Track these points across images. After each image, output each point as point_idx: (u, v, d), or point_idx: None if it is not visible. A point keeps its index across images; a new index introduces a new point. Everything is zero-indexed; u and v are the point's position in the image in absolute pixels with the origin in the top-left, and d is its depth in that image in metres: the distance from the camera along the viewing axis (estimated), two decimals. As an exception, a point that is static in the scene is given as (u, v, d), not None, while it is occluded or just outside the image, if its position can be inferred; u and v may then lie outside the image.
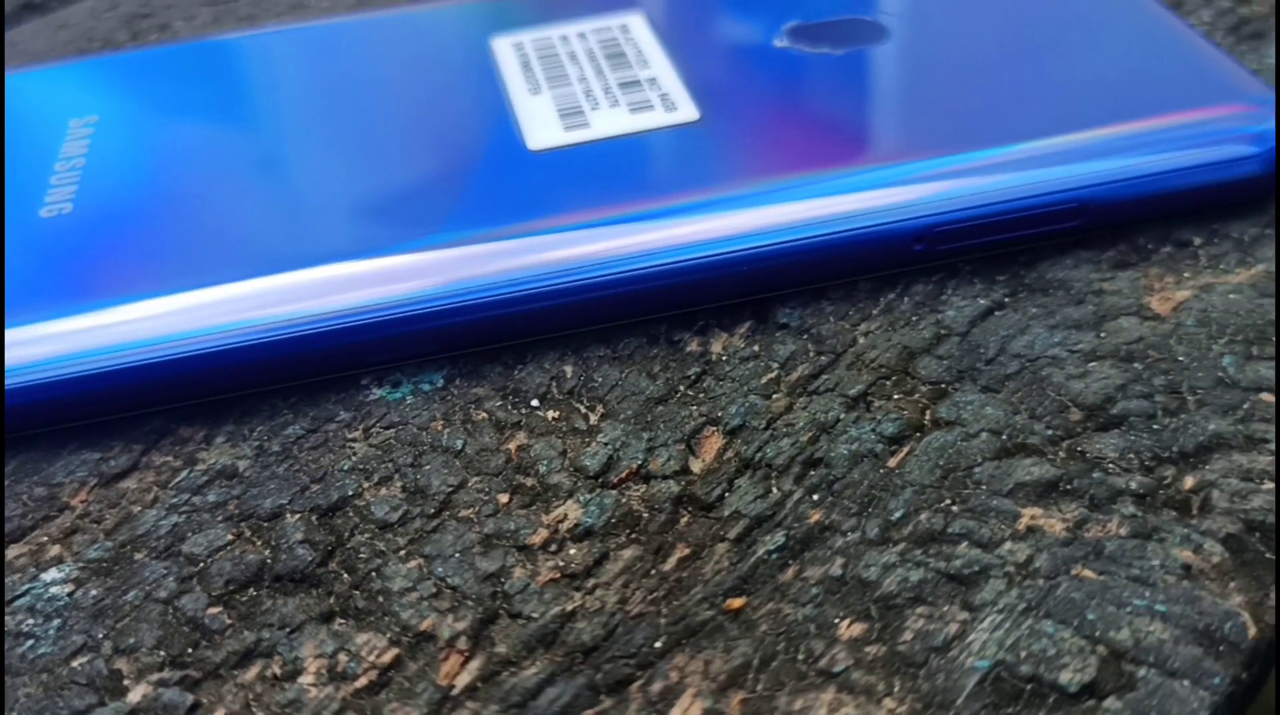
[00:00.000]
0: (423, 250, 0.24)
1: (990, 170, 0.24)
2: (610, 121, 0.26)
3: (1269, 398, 0.22)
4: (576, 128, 0.26)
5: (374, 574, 0.20)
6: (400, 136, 0.27)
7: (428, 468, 0.22)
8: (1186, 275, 0.24)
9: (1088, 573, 0.19)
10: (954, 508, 0.20)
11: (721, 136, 0.25)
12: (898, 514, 0.20)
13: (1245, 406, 0.22)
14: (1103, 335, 0.23)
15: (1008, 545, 0.20)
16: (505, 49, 0.29)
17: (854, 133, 0.26)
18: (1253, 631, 0.18)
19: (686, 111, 0.26)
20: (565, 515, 0.21)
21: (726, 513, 0.21)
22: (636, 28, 0.29)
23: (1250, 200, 0.26)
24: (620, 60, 0.28)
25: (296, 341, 0.23)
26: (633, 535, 0.20)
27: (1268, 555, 0.19)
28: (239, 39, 0.31)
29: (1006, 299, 0.24)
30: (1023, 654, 0.18)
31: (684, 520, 0.21)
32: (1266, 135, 0.25)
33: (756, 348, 0.24)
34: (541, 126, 0.26)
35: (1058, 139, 0.25)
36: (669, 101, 0.26)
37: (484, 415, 0.23)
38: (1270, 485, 0.20)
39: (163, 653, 0.19)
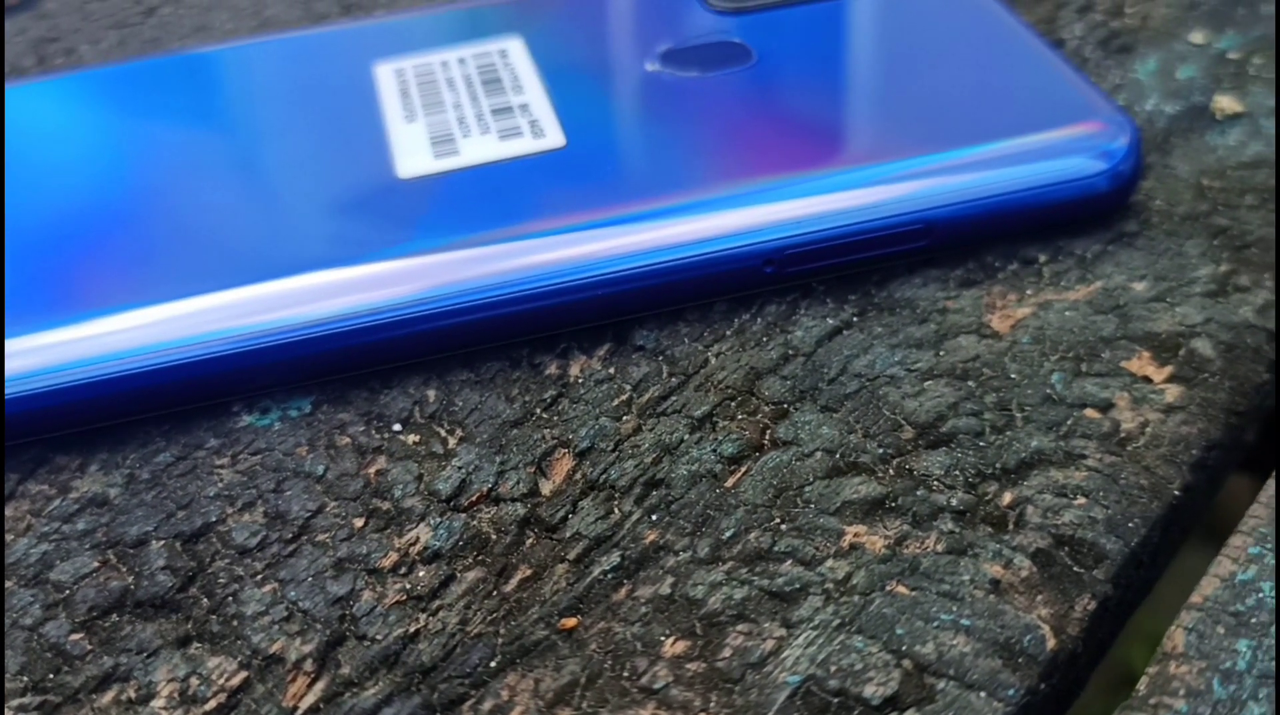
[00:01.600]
0: (290, 278, 0.24)
1: (836, 192, 0.25)
2: (479, 149, 0.27)
3: (1092, 414, 0.23)
4: (446, 155, 0.27)
5: (230, 599, 0.21)
6: (277, 165, 0.27)
7: (289, 493, 0.23)
8: (1029, 292, 0.25)
9: (902, 589, 0.20)
10: (782, 526, 0.21)
11: (584, 163, 0.26)
12: (728, 533, 0.21)
13: (1068, 422, 0.23)
14: (941, 354, 0.24)
15: (829, 563, 0.21)
16: (387, 75, 0.30)
17: (708, 158, 0.26)
18: (1052, 644, 0.19)
19: (554, 138, 0.27)
20: (417, 538, 0.22)
21: (568, 534, 0.22)
22: (515, 52, 0.30)
23: (1096, 217, 0.27)
24: (495, 86, 0.29)
25: (163, 372, 0.23)
26: (479, 557, 0.21)
27: (1075, 569, 0.20)
28: (120, 68, 0.31)
29: (855, 318, 0.25)
30: (832, 669, 0.19)
31: (529, 542, 0.22)
32: (1112, 153, 0.26)
33: (612, 370, 0.25)
34: (412, 154, 0.27)
35: (905, 160, 0.26)
36: (538, 128, 0.27)
37: (347, 440, 0.24)
38: (1083, 500, 0.21)
39: (25, 679, 0.20)
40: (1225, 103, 0.30)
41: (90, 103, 0.30)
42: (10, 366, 0.23)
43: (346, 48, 0.31)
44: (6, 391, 0.23)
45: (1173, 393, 0.23)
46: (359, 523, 0.22)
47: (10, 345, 0.23)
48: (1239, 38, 0.33)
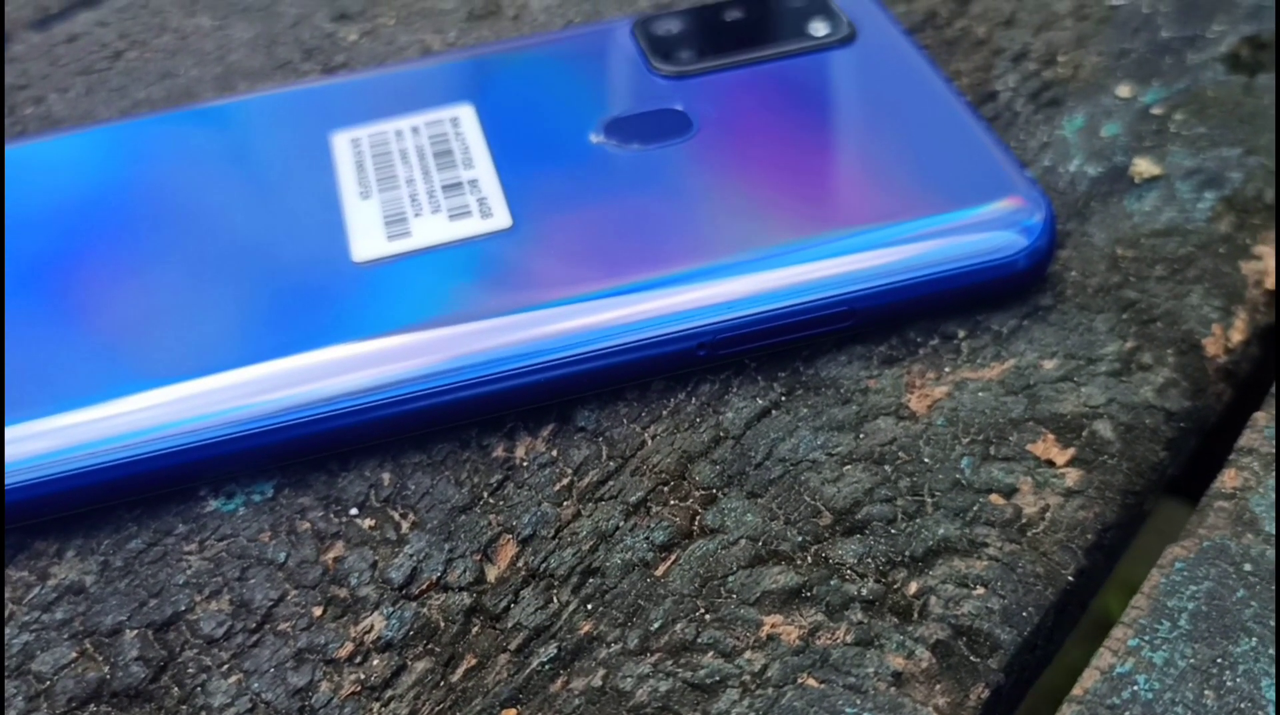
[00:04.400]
0: (252, 367, 0.26)
1: (761, 274, 0.27)
2: (430, 230, 0.28)
3: (997, 499, 0.25)
4: (399, 237, 0.28)
5: (199, 690, 0.23)
6: (237, 247, 0.29)
7: (252, 581, 0.25)
8: (946, 370, 0.27)
9: (812, 681, 0.22)
10: (706, 616, 0.23)
11: (527, 246, 0.28)
12: (657, 624, 0.23)
13: (974, 509, 0.25)
14: (861, 437, 0.26)
15: (748, 654, 0.23)
16: (344, 145, 0.31)
17: (641, 241, 0.28)
18: (946, 733, 0.21)
19: (500, 218, 0.29)
20: (371, 626, 0.24)
21: (510, 624, 0.24)
22: (466, 121, 0.32)
23: (1014, 292, 0.28)
24: (447, 159, 0.30)
25: (130, 465, 0.25)
26: (428, 645, 0.23)
27: (972, 659, 0.22)
28: (71, 138, 0.33)
29: (783, 398, 0.27)
30: (745, 761, 0.21)
31: (474, 630, 0.24)
32: (1029, 230, 0.28)
33: (555, 452, 0.26)
34: (367, 236, 0.28)
35: (828, 242, 0.27)
36: (485, 207, 0.29)
37: (307, 525, 0.25)
38: (982, 590, 0.23)
39: (11, 769, 0.22)
40: (1144, 165, 0.31)
41: (43, 178, 0.31)
42: None
43: (305, 112, 0.33)
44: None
45: (1073, 477, 0.25)
46: (318, 611, 0.24)
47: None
48: (1164, 90, 0.34)
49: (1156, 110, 0.33)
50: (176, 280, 0.28)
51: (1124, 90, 0.34)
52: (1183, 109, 0.33)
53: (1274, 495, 0.24)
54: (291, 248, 0.29)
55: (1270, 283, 0.29)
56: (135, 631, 0.24)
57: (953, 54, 0.36)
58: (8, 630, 0.24)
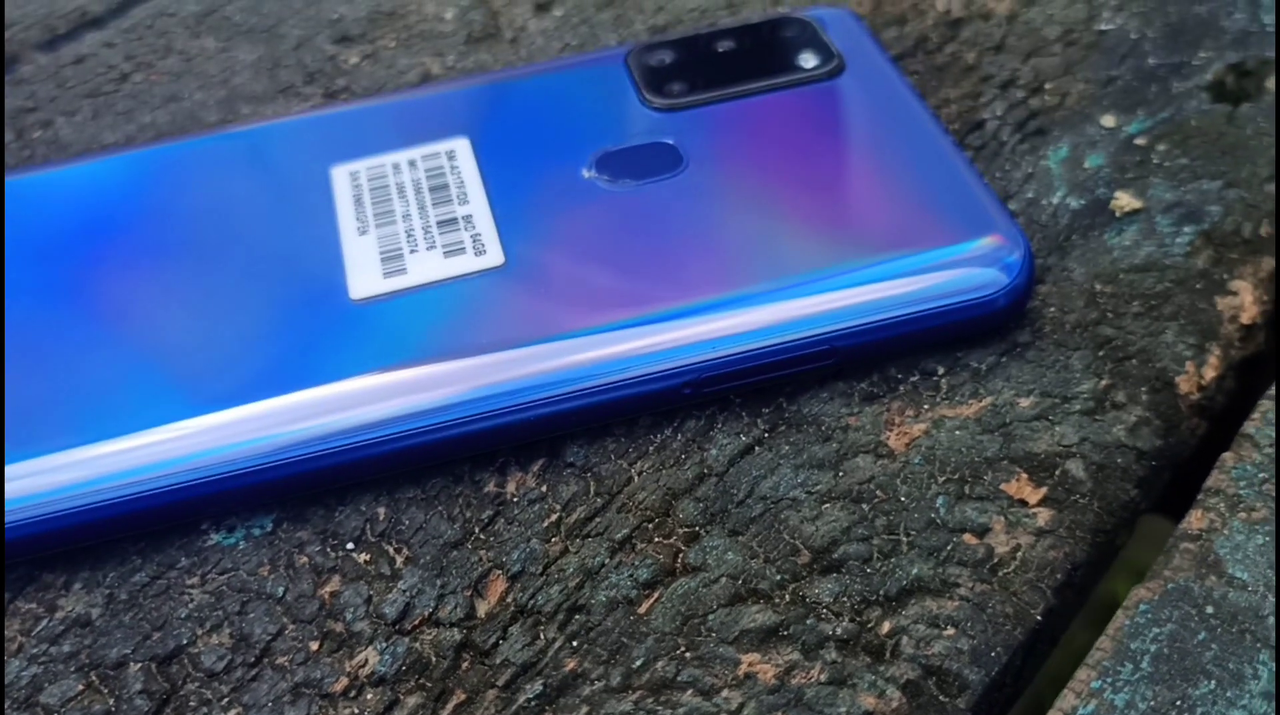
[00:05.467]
0: (250, 406, 0.27)
1: (745, 315, 0.28)
2: (425, 267, 0.29)
3: (970, 539, 0.26)
4: (395, 274, 0.29)
5: (200, 723, 0.24)
6: (238, 284, 0.30)
7: (252, 616, 0.26)
8: (925, 407, 0.28)
9: (786, 720, 0.23)
10: (687, 655, 0.24)
11: (518, 285, 0.29)
12: (639, 662, 0.24)
13: (947, 549, 0.25)
14: (840, 475, 0.27)
15: (725, 693, 0.24)
16: (343, 179, 0.32)
17: (629, 279, 0.29)
18: (913, 772, 0.22)
19: (493, 255, 0.29)
20: (365, 660, 0.25)
21: (499, 660, 0.25)
22: (462, 154, 0.32)
23: (994, 329, 0.29)
24: (443, 194, 0.31)
25: (132, 502, 0.26)
26: (420, 680, 0.24)
27: (941, 698, 0.23)
28: (73, 170, 0.33)
29: (766, 435, 0.28)
30: (720, 799, 0.22)
31: (464, 666, 0.25)
32: (1010, 267, 0.29)
33: (544, 488, 0.27)
34: (364, 273, 0.29)
35: (811, 282, 0.28)
36: (479, 243, 0.30)
37: (305, 560, 0.26)
38: (952, 630, 0.24)
39: (21, 800, 0.23)
40: (1125, 199, 0.32)
41: (43, 212, 0.32)
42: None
43: (306, 144, 0.33)
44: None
45: (1044, 516, 0.26)
46: (314, 646, 0.25)
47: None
48: (1148, 120, 0.35)
49: (1140, 141, 0.34)
50: (180, 316, 0.29)
51: (1108, 120, 0.35)
52: (1166, 140, 0.34)
53: (1239, 537, 0.25)
54: (292, 284, 0.29)
55: (1246, 318, 0.30)
56: (139, 665, 0.25)
57: (942, 80, 0.36)
58: (17, 662, 0.25)
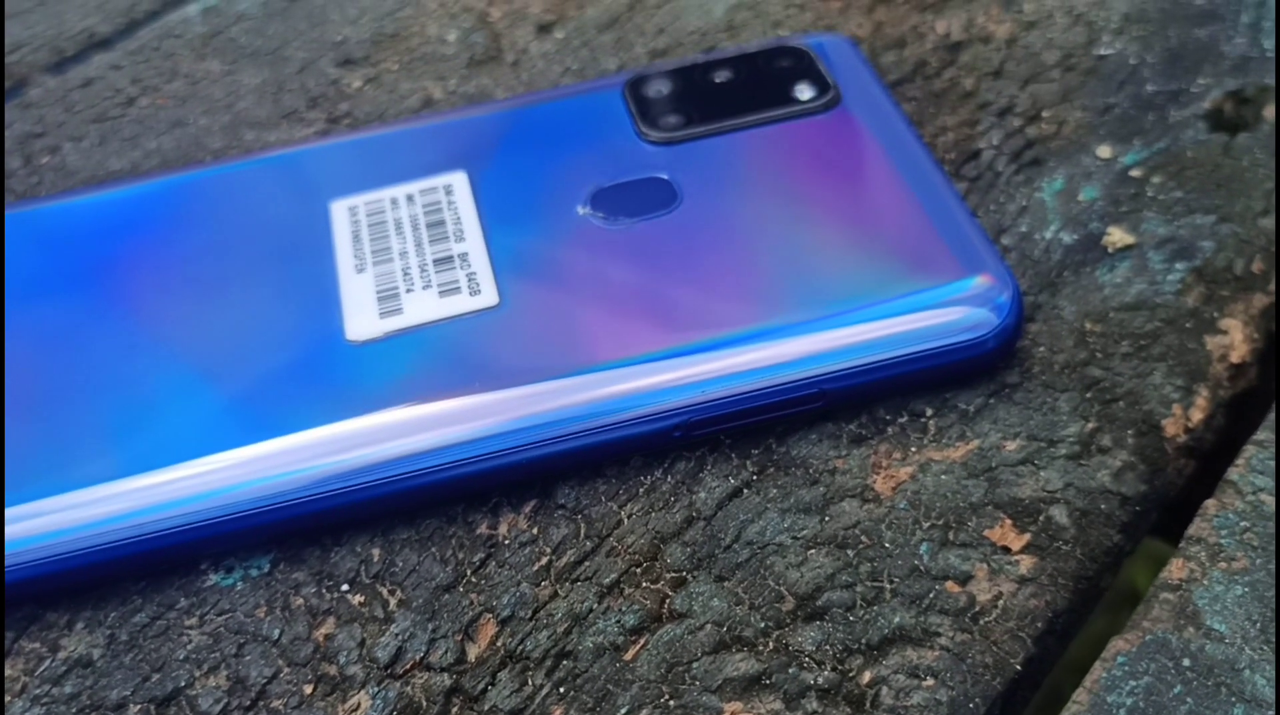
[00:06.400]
0: (248, 448, 0.28)
1: (735, 358, 0.28)
2: (420, 307, 0.30)
3: (952, 587, 0.26)
4: (391, 314, 0.30)
5: (196, 766, 0.25)
6: (235, 324, 0.30)
7: (248, 658, 0.26)
8: (913, 450, 0.28)
9: (766, 771, 0.24)
10: (670, 703, 0.25)
11: (511, 326, 0.29)
12: (624, 710, 0.25)
13: (929, 597, 0.26)
14: (827, 519, 0.27)
15: (707, 742, 0.24)
16: (342, 214, 0.33)
17: (621, 323, 0.29)
18: (890, 825, 0.23)
19: (488, 295, 0.30)
20: (358, 705, 0.25)
21: (487, 706, 0.25)
22: (459, 189, 0.33)
23: (983, 369, 0.29)
24: (439, 230, 0.32)
25: (130, 546, 0.27)
26: (410, 726, 0.25)
27: (918, 748, 0.24)
28: (70, 204, 0.34)
29: (754, 477, 0.28)
30: None
31: (454, 711, 0.25)
32: (999, 308, 0.29)
33: (535, 531, 0.28)
34: (360, 314, 0.30)
35: (800, 326, 0.28)
36: (474, 283, 0.30)
37: (300, 601, 0.27)
38: (931, 681, 0.25)
39: (24, 841, 0.24)
40: (1117, 235, 0.32)
41: (38, 249, 0.32)
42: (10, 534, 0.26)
43: (306, 177, 0.34)
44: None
45: (1026, 564, 0.26)
46: (308, 689, 0.26)
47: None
48: (1144, 150, 0.35)
49: (1135, 173, 0.34)
50: (178, 357, 0.29)
51: (1104, 151, 0.35)
52: (1161, 171, 0.34)
53: (1219, 588, 0.25)
54: (290, 325, 0.30)
55: (1235, 357, 0.30)
56: (139, 707, 0.26)
57: (940, 108, 0.37)
58: (20, 703, 0.26)
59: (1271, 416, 0.28)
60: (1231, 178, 0.34)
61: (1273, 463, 0.27)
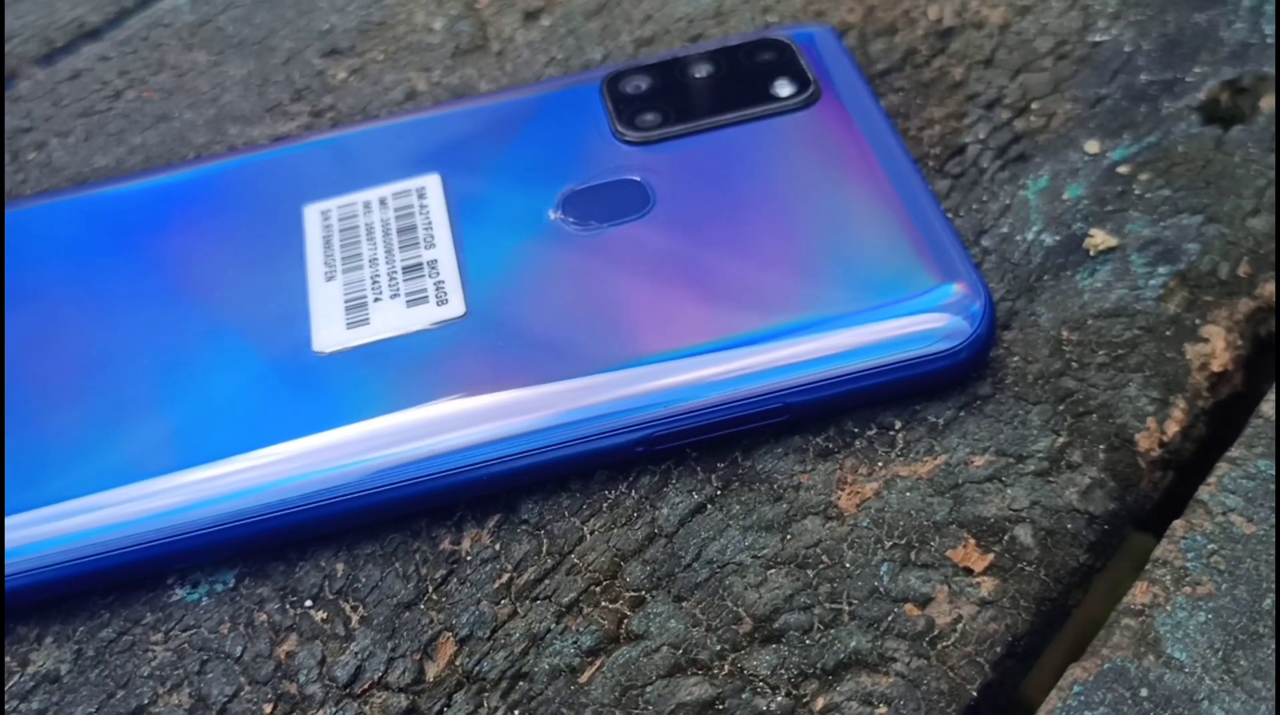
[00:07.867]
0: (212, 465, 0.28)
1: (699, 373, 0.28)
2: (387, 318, 0.30)
3: (911, 610, 0.26)
4: (358, 325, 0.30)
5: (156, 786, 0.25)
6: (203, 335, 0.30)
7: (210, 676, 0.26)
8: (879, 465, 0.28)
9: (714, 800, 0.24)
10: (623, 728, 0.25)
11: (478, 339, 0.29)
12: (576, 735, 0.25)
13: (888, 620, 0.26)
14: (788, 538, 0.27)
15: (657, 769, 0.24)
16: (314, 219, 0.32)
17: (588, 335, 0.29)
18: None
19: (455, 305, 0.30)
20: (316, 725, 0.26)
21: (442, 728, 0.25)
22: (432, 192, 0.33)
23: (954, 381, 0.29)
24: (410, 236, 0.32)
25: (92, 562, 0.27)
26: (367, 747, 0.25)
27: (868, 778, 0.24)
28: (44, 207, 0.34)
29: (718, 493, 0.28)
30: None
31: (410, 732, 0.25)
32: (972, 317, 0.28)
33: (498, 546, 0.28)
34: (328, 324, 0.30)
35: (766, 341, 0.28)
36: (442, 292, 0.30)
37: (264, 617, 0.27)
38: (884, 708, 0.24)
39: None
40: (1100, 237, 0.32)
41: (9, 254, 0.32)
42: None
43: (281, 180, 0.34)
44: None
45: (988, 586, 0.26)
46: (268, 708, 0.26)
47: None
48: (1133, 145, 0.34)
49: (1122, 169, 0.33)
50: (149, 369, 0.30)
51: (1092, 146, 0.34)
52: (1149, 168, 0.33)
53: (1182, 614, 0.25)
54: (258, 336, 0.30)
55: (1216, 365, 0.29)
56: (102, 724, 0.26)
57: (928, 99, 0.36)
58: (-11, 719, 0.26)
59: (1248, 432, 0.27)
60: (1222, 174, 0.33)
61: (1245, 482, 0.26)
